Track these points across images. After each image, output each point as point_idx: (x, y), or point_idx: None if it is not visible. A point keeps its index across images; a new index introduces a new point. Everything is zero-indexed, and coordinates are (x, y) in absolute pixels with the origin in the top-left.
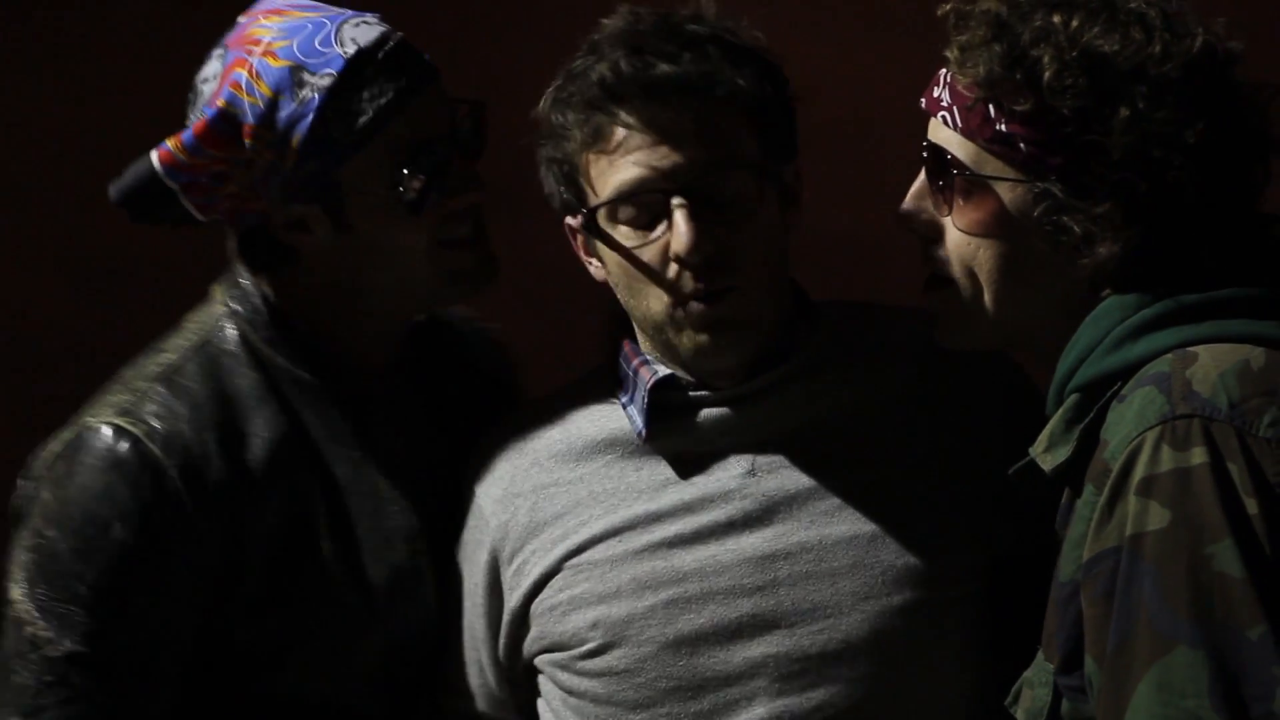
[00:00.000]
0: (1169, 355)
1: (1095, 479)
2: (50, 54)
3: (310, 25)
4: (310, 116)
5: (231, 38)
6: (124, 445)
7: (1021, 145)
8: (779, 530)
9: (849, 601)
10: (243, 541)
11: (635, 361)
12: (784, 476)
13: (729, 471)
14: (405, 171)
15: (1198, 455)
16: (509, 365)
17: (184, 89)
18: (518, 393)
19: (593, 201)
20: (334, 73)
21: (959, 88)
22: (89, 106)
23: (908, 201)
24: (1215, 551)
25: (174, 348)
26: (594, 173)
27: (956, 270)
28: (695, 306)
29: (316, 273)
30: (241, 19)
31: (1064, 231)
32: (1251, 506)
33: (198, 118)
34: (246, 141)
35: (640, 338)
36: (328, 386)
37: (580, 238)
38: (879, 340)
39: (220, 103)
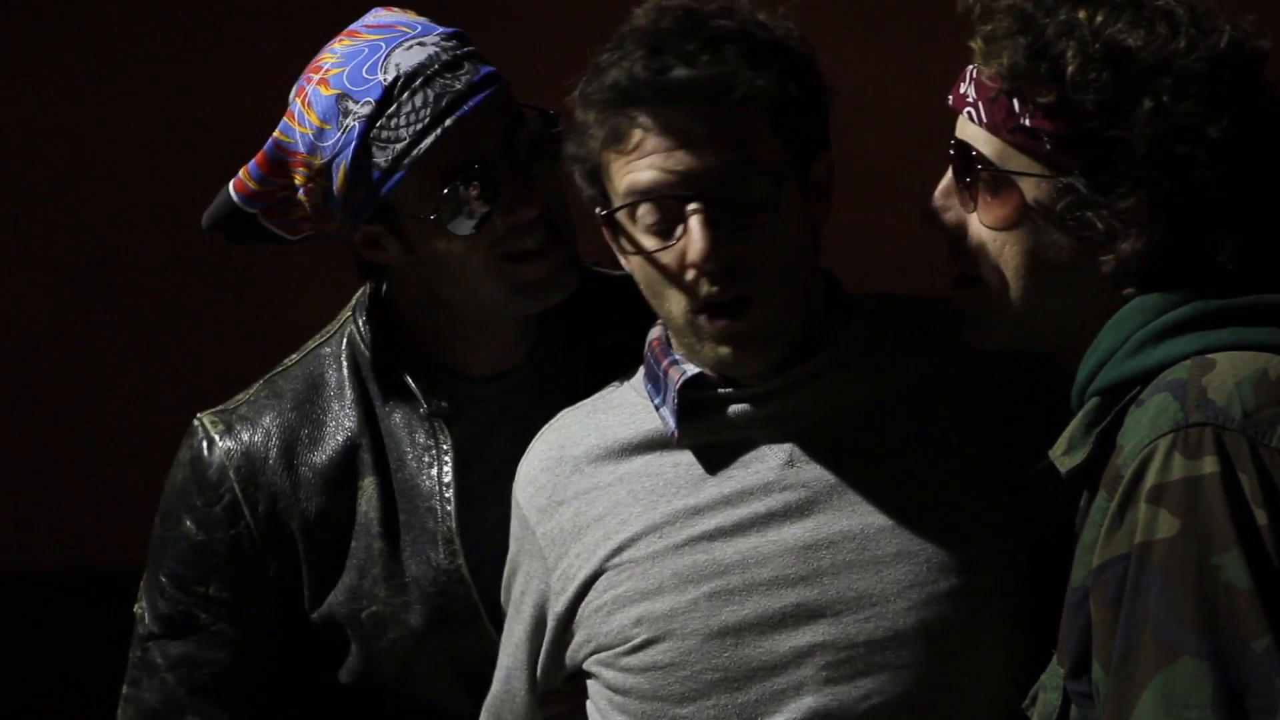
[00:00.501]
0: (1188, 361)
1: (1108, 484)
2: (37, 57)
3: (367, 50)
4: (352, 145)
5: (311, 62)
6: (203, 444)
7: (1045, 140)
8: (820, 520)
9: (894, 589)
10: (298, 539)
11: (665, 362)
12: (822, 466)
13: (766, 464)
14: (446, 194)
15: (1209, 464)
16: None
17: (167, 90)
18: None
19: (613, 202)
20: (373, 100)
21: (983, 80)
22: (74, 109)
23: (935, 199)
24: (1223, 562)
25: (303, 348)
26: (613, 172)
27: (983, 267)
28: (715, 321)
29: (407, 284)
30: (331, 40)
31: (1087, 227)
32: (1261, 517)
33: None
34: (299, 170)
35: (670, 336)
36: (416, 390)
37: (608, 233)
38: (914, 329)
39: (276, 133)
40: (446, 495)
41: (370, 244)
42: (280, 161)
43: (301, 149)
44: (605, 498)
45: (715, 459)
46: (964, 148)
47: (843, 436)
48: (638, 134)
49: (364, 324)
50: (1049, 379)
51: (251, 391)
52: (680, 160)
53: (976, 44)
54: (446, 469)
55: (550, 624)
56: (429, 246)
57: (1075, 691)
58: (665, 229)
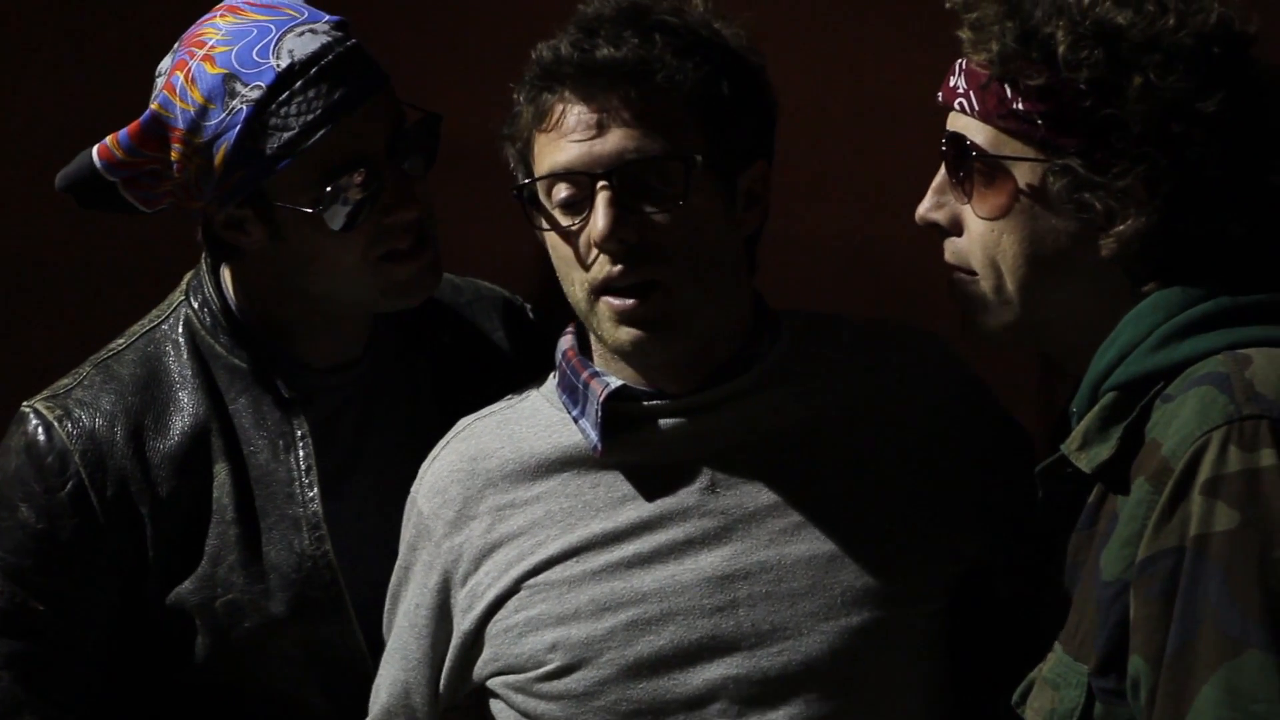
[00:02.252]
0: (1219, 356)
1: (1153, 478)
2: None
3: (256, 31)
4: (237, 128)
5: (188, 33)
6: (40, 430)
7: (1039, 122)
8: (738, 549)
9: (808, 623)
10: (145, 527)
11: (585, 374)
12: (743, 492)
13: (687, 486)
14: (329, 189)
15: (1267, 456)
16: (531, 324)
17: (98, 84)
18: (540, 355)
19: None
20: (264, 85)
21: (973, 68)
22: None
23: (927, 197)
24: None
25: (129, 333)
26: (536, 149)
27: (980, 261)
28: (616, 301)
29: (261, 271)
30: (209, 13)
31: (1086, 209)
32: None
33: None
34: (176, 146)
35: (593, 346)
36: (262, 374)
37: (526, 211)
38: (841, 352)
39: (154, 105)
40: (308, 480)
41: (233, 226)
42: (156, 135)
43: (181, 125)
44: (521, 516)
45: (635, 478)
46: (956, 140)
47: (767, 460)
48: (558, 110)
49: (202, 308)
50: (975, 398)
51: (82, 376)
52: (596, 140)
53: (965, 32)
54: (305, 453)
55: (455, 640)
56: (299, 237)
57: (1102, 689)
58: (577, 208)
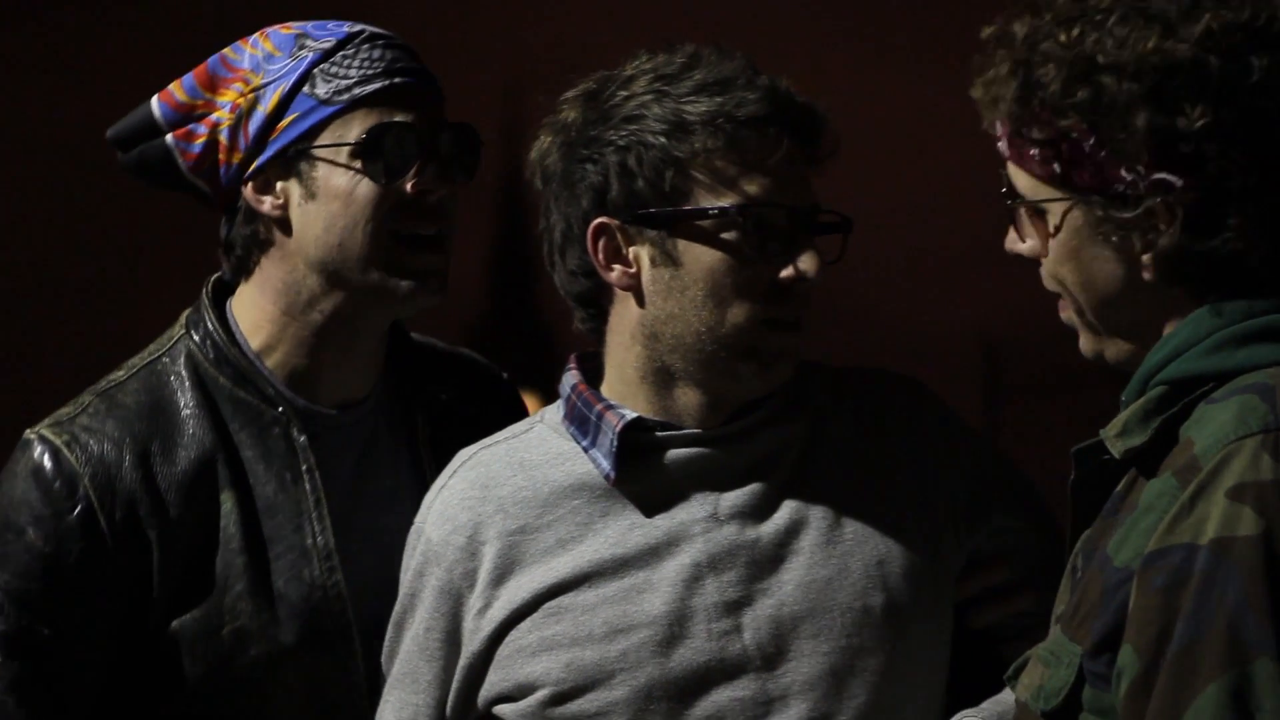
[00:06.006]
0: (1271, 369)
1: (1179, 473)
2: None
3: (329, 20)
4: (300, 71)
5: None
6: (46, 456)
7: (1057, 167)
8: (742, 575)
9: (809, 645)
10: (153, 552)
11: (599, 406)
12: (746, 521)
13: (693, 514)
14: (372, 142)
15: None
16: (508, 388)
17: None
18: (520, 415)
19: (702, 201)
20: (333, 39)
21: (997, 121)
22: None
23: (1008, 235)
24: None
25: (128, 365)
26: (719, 173)
27: (1058, 289)
28: (787, 336)
29: (275, 280)
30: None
31: (1118, 237)
32: None
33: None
34: (236, 85)
35: (612, 381)
36: (267, 408)
37: (618, 237)
38: (825, 393)
39: (225, 51)
40: (317, 512)
41: (263, 188)
42: (218, 75)
43: (246, 65)
44: (533, 542)
45: (644, 505)
46: (1006, 181)
47: (767, 491)
48: (777, 145)
49: (204, 340)
50: (956, 438)
51: (85, 404)
52: (804, 179)
53: (978, 92)
54: (313, 486)
55: (463, 663)
56: (330, 194)
57: (1092, 671)
58: (759, 242)
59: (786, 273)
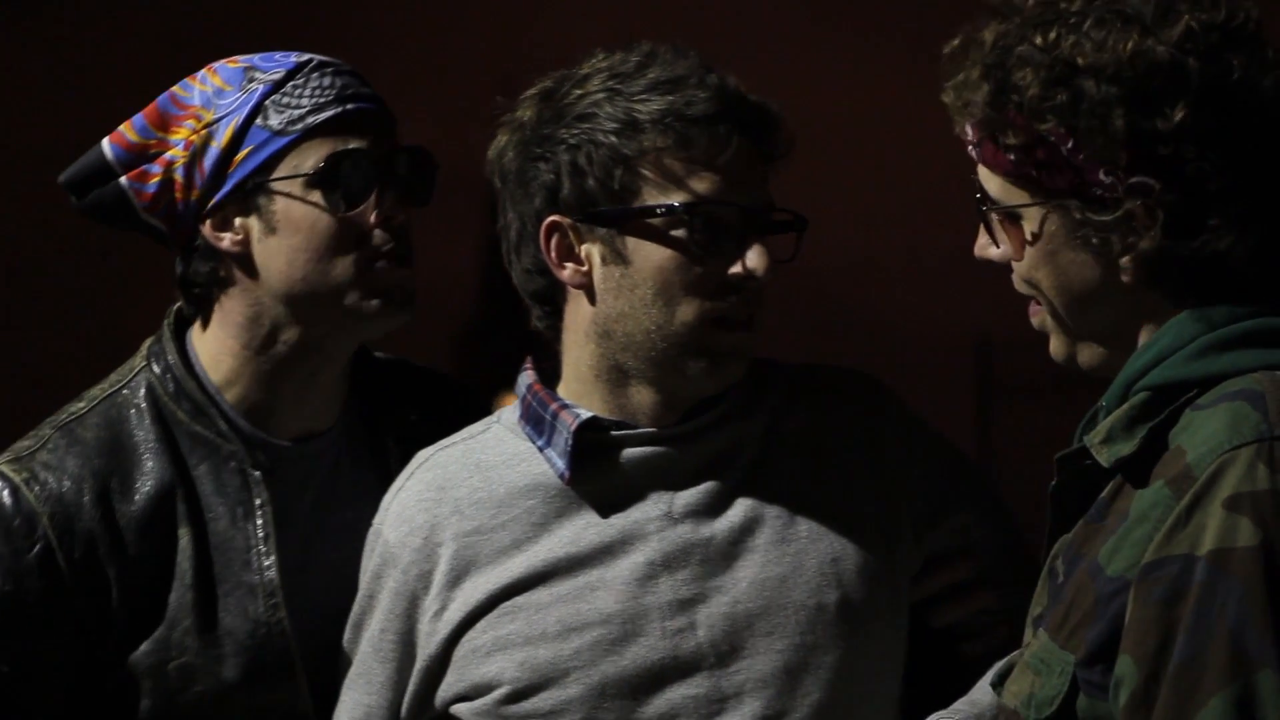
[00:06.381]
0: (1256, 375)
1: (1173, 482)
2: None
3: (275, 52)
4: (251, 104)
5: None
6: (5, 493)
7: (1032, 171)
8: (696, 572)
9: (764, 643)
10: (111, 590)
11: (554, 405)
12: (701, 518)
13: (648, 513)
14: (330, 170)
15: None
16: (470, 399)
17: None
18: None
19: (650, 199)
20: (282, 70)
21: (969, 126)
22: None
23: (978, 240)
24: None
25: (89, 396)
26: (668, 171)
27: (1034, 292)
28: (731, 333)
29: (237, 312)
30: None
31: (1097, 240)
32: None
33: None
34: (188, 123)
35: (568, 380)
36: (223, 443)
37: (569, 235)
38: (780, 391)
39: (174, 88)
40: (265, 548)
41: (222, 225)
42: (169, 114)
43: (197, 101)
44: (488, 542)
45: (599, 504)
46: (978, 187)
47: (721, 489)
48: (728, 143)
49: (164, 374)
50: (911, 434)
51: (45, 439)
52: (756, 179)
53: (948, 97)
54: (263, 521)
55: (419, 663)
56: (289, 226)
57: (1087, 681)
58: (708, 240)
59: (735, 271)
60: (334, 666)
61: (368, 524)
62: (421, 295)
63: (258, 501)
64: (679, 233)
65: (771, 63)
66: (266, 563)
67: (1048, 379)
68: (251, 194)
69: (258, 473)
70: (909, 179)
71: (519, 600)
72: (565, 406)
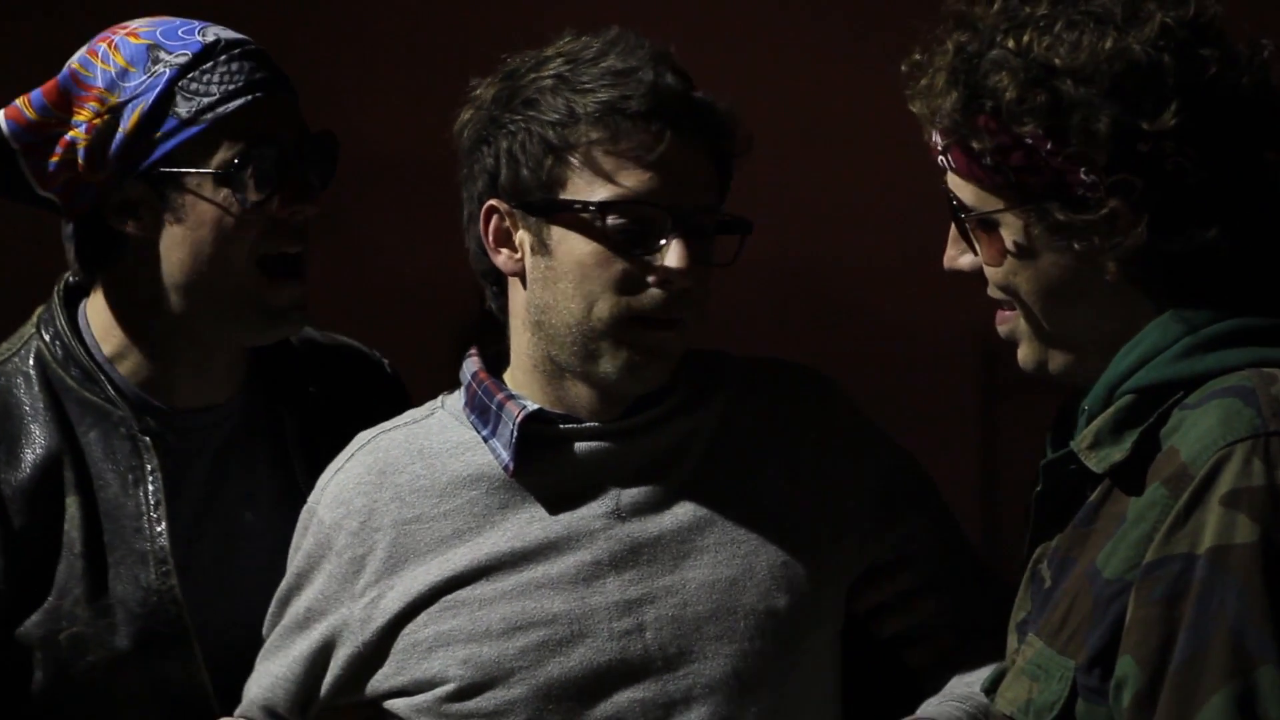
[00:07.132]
0: (1245, 372)
1: (1169, 482)
2: None
3: (178, 21)
4: (158, 90)
5: (109, 29)
6: None
7: (1009, 175)
8: (643, 573)
9: (712, 646)
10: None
11: (499, 395)
12: (648, 518)
13: (594, 510)
14: (238, 160)
15: None
16: (391, 378)
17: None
18: (400, 408)
19: (576, 192)
20: (189, 54)
21: (937, 134)
22: None
23: (949, 248)
24: None
25: None
26: (597, 165)
27: (1011, 298)
28: (651, 332)
29: (132, 289)
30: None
31: (1080, 241)
32: None
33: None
34: (91, 105)
35: (514, 369)
36: (113, 409)
37: (506, 221)
38: (731, 386)
39: (74, 65)
40: (155, 515)
41: (125, 209)
42: (69, 94)
43: (100, 84)
44: (429, 531)
45: (544, 499)
46: (950, 196)
47: (670, 487)
48: (657, 139)
49: (54, 340)
50: (859, 433)
51: None
52: (684, 178)
53: (917, 108)
54: (154, 488)
55: (348, 649)
56: (194, 214)
57: (1087, 685)
58: (635, 236)
59: (654, 271)
60: (229, 635)
61: (260, 497)
62: (422, 295)
63: (149, 468)
64: (600, 228)
65: (772, 62)
66: (158, 529)
67: (1052, 379)
68: (157, 183)
69: (148, 438)
70: (910, 179)
71: (461, 594)
72: (511, 397)
